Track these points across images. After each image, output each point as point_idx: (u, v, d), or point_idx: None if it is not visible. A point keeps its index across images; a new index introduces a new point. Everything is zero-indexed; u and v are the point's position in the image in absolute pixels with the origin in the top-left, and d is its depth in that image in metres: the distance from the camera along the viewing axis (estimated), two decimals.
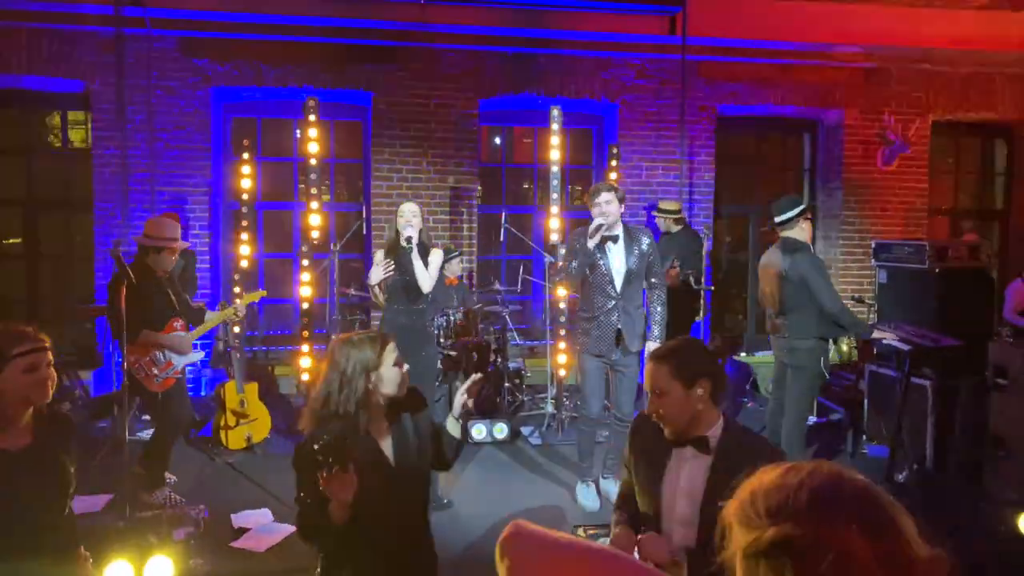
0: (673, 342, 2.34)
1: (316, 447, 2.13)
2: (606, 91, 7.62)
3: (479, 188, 7.70)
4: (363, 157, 7.76)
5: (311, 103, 5.78)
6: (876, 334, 4.24)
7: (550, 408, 6.13)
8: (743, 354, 7.69)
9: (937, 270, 4.87)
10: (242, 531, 3.98)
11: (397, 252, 4.29)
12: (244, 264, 6.15)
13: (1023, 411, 4.25)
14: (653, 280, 4.40)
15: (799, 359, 4.28)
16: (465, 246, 7.52)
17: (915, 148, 8.04)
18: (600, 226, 4.25)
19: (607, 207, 4.29)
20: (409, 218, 4.26)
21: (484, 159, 7.92)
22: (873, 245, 5.43)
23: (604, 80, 7.62)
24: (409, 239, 4.21)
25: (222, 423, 5.12)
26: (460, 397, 2.49)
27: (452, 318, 5.92)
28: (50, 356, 2.20)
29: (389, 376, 2.32)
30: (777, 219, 4.44)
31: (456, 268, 6.69)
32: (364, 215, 7.65)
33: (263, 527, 4.00)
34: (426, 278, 4.26)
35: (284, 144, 7.77)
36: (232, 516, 4.16)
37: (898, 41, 7.79)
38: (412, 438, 2.46)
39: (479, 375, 2.56)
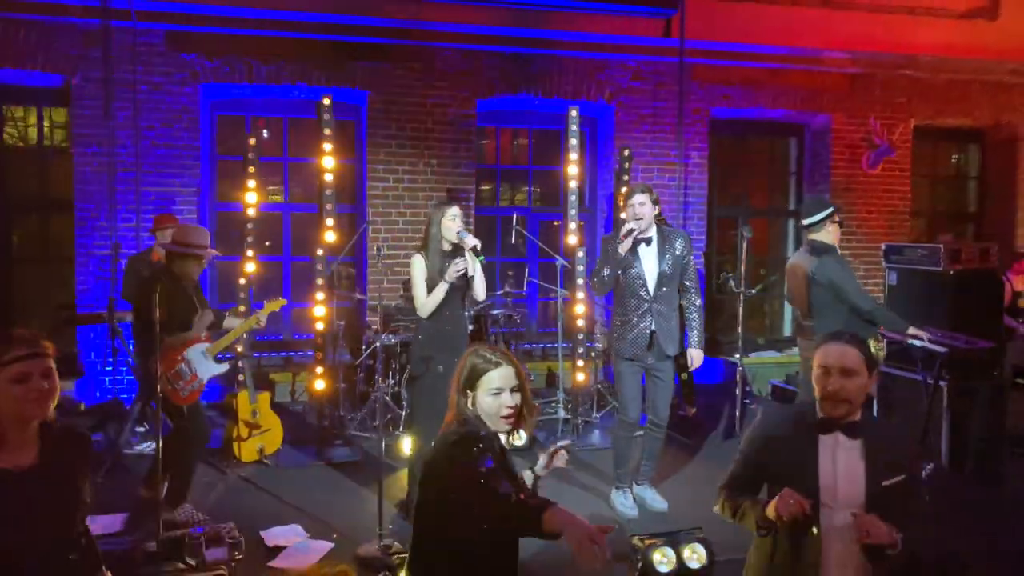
0: (848, 333, 2.42)
1: (484, 471, 2.09)
2: (603, 93, 7.60)
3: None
4: (356, 157, 7.57)
5: (326, 102, 5.60)
6: (912, 331, 4.30)
7: (562, 413, 6.07)
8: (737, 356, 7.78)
9: (951, 272, 4.97)
10: (276, 549, 3.81)
11: (444, 256, 4.12)
12: (251, 268, 5.91)
13: None
14: (687, 283, 4.38)
15: None
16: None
17: (898, 152, 8.24)
18: (631, 231, 4.22)
19: (640, 209, 4.26)
20: (459, 221, 4.12)
21: (480, 160, 7.81)
22: (883, 247, 5.52)
23: (600, 82, 7.60)
24: (475, 246, 4.03)
25: (234, 434, 4.92)
26: (548, 459, 2.43)
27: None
28: (49, 364, 1.96)
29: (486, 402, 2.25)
30: (805, 222, 4.48)
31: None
32: (361, 217, 7.47)
33: (300, 545, 3.84)
34: (482, 285, 4.14)
35: (274, 143, 7.53)
36: (262, 534, 3.98)
37: (882, 47, 7.98)
38: None
39: (568, 442, 2.52)
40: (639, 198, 4.28)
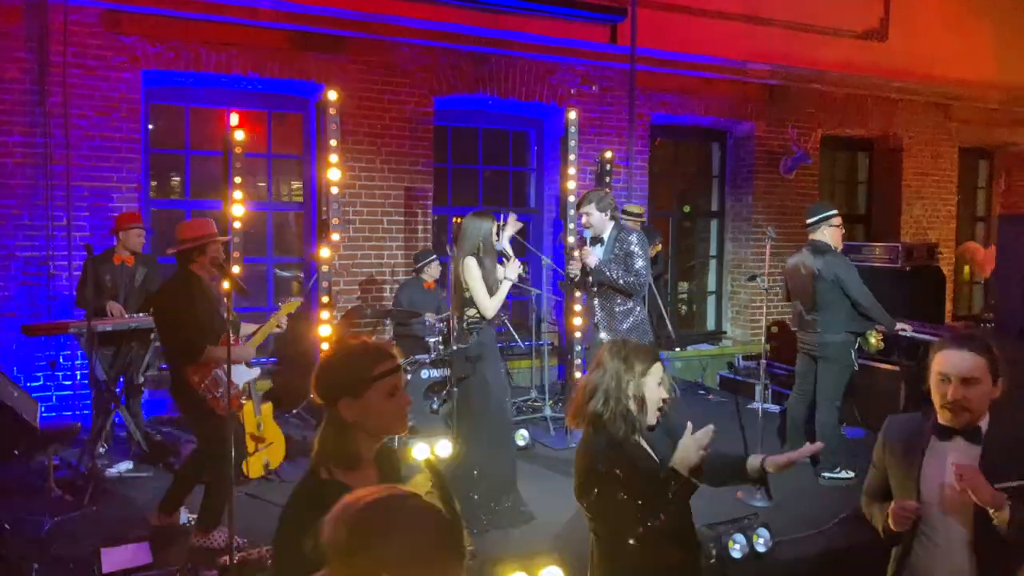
0: (983, 333, 2.48)
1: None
2: (554, 95, 7.74)
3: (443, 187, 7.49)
4: (304, 153, 7.23)
5: (332, 96, 5.28)
6: (899, 326, 4.78)
7: (548, 411, 6.15)
8: (677, 349, 8.23)
9: (907, 268, 5.54)
10: None
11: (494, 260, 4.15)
12: (237, 270, 5.51)
13: None
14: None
15: (830, 352, 4.72)
16: (420, 249, 7.27)
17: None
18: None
19: (587, 218, 4.56)
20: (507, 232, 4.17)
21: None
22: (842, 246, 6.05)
23: (552, 84, 7.73)
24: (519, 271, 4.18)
25: (241, 449, 4.59)
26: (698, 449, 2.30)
27: (451, 324, 5.75)
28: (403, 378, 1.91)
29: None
30: (808, 221, 4.86)
31: (435, 271, 6.48)
32: (311, 215, 7.14)
33: None
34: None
35: (213, 136, 7.02)
36: None
37: (795, 62, 8.69)
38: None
39: (712, 427, 2.39)
40: (584, 207, 4.57)
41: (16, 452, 4.44)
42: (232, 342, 3.90)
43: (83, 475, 4.54)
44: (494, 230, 4.18)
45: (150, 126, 6.69)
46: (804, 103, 8.98)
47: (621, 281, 4.37)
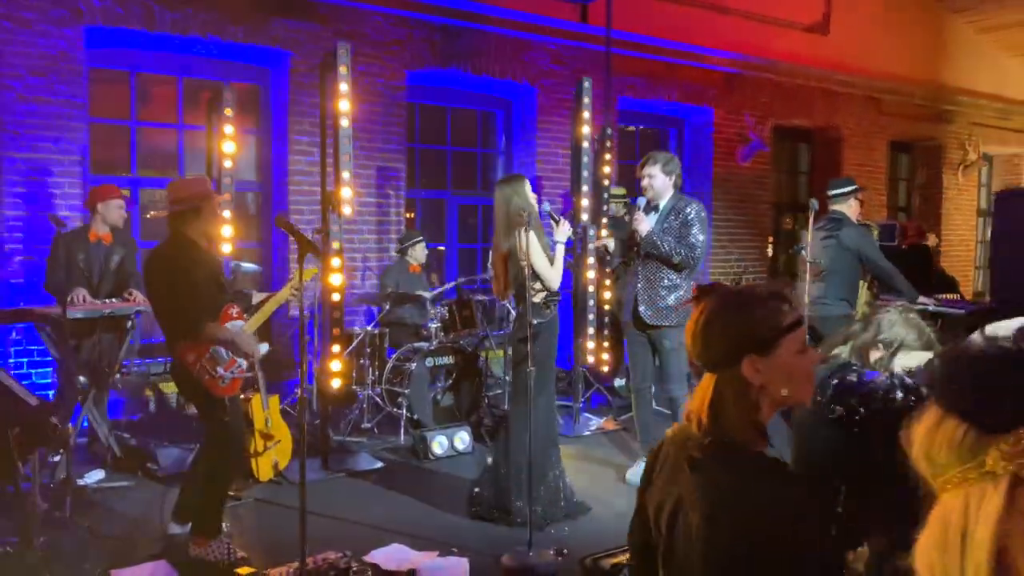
0: None
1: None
2: (527, 74, 7.46)
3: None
4: (262, 128, 6.61)
5: (342, 52, 4.73)
6: (921, 299, 4.82)
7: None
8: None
9: (904, 247, 5.64)
10: (403, 575, 3.20)
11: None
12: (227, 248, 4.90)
13: None
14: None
15: (831, 327, 4.73)
16: (392, 232, 6.82)
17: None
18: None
19: (649, 180, 4.29)
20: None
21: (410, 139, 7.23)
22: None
23: (524, 63, 7.45)
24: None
25: (251, 448, 4.03)
26: None
27: (455, 310, 5.37)
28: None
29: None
30: (831, 192, 4.84)
31: (421, 254, 6.06)
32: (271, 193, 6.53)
33: (432, 564, 3.26)
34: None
35: (162, 107, 6.30)
36: (372, 558, 3.32)
37: (751, 51, 8.81)
38: None
39: None
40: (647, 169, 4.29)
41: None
42: (236, 315, 3.42)
43: (56, 487, 3.86)
44: (530, 193, 3.83)
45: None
46: (759, 92, 9.11)
47: (674, 254, 4.13)
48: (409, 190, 7.21)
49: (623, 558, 2.96)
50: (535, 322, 3.60)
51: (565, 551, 3.33)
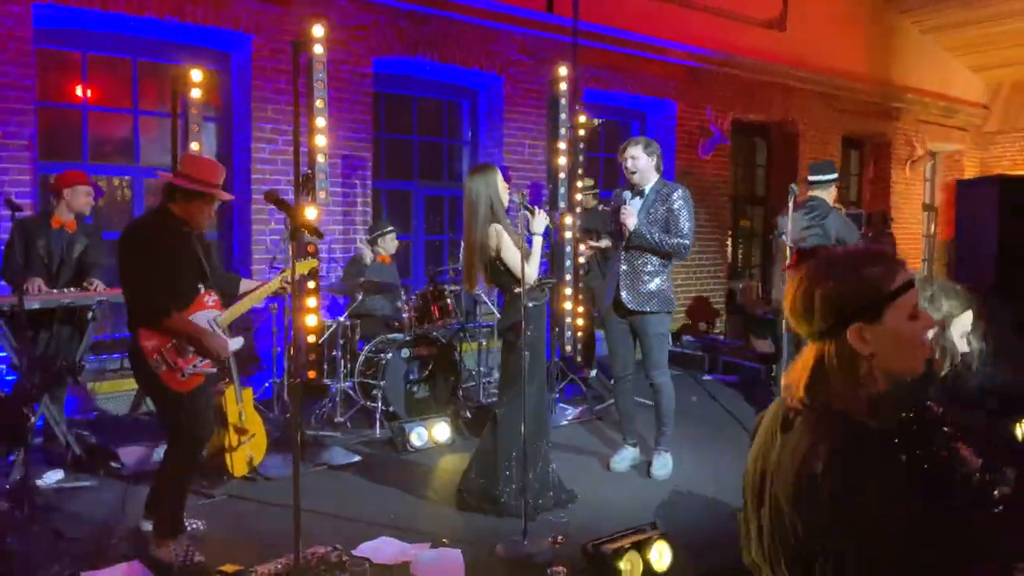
0: None
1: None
2: (493, 63, 7.37)
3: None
4: (223, 115, 6.38)
5: (317, 32, 4.54)
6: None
7: None
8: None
9: (870, 234, 5.76)
10: (392, 568, 3.09)
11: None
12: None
13: None
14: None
15: None
16: (359, 223, 6.66)
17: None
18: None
19: (633, 162, 4.24)
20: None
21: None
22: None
23: (491, 52, 7.36)
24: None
25: (225, 443, 3.85)
26: None
27: (431, 299, 5.26)
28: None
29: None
30: (812, 178, 4.90)
31: (391, 245, 5.92)
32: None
33: (427, 556, 3.15)
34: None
35: (115, 92, 6.01)
36: (361, 552, 3.20)
37: (712, 45, 8.90)
38: None
39: None
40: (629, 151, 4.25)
41: None
42: (213, 304, 3.25)
43: (13, 488, 3.62)
44: (500, 184, 3.69)
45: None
46: (719, 87, 9.21)
47: (664, 245, 4.10)
48: (374, 180, 7.05)
49: (624, 542, 2.92)
50: (530, 304, 3.53)
51: (561, 538, 3.27)
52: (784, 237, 4.68)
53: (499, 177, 3.75)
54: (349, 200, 6.61)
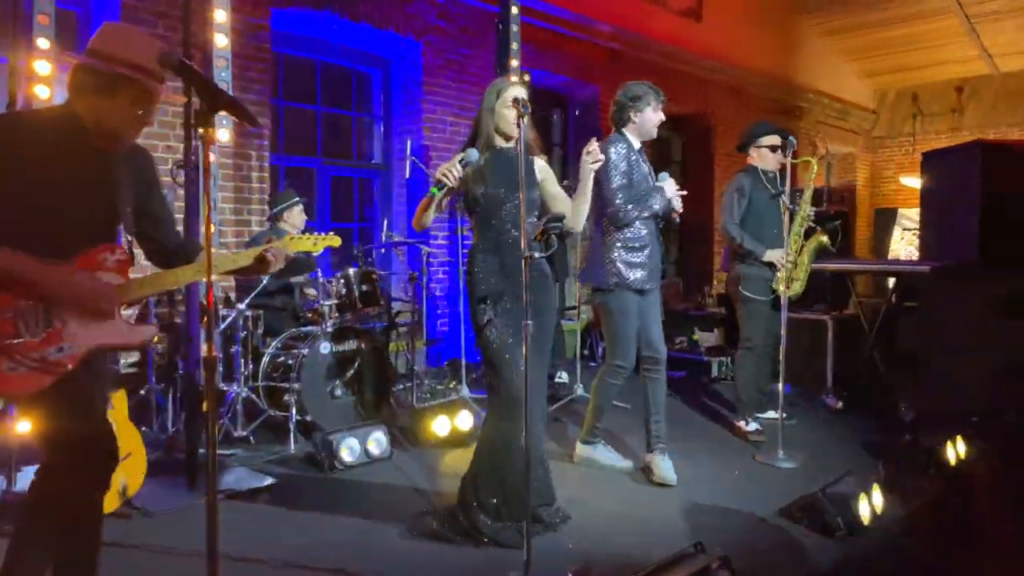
0: None
1: None
2: (411, 27, 6.55)
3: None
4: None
5: None
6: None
7: (467, 391, 4.96)
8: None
9: (832, 212, 5.39)
10: None
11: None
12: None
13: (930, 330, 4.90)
14: None
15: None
16: (255, 203, 5.63)
17: None
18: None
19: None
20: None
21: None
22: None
23: (408, 15, 6.53)
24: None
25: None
26: None
27: (354, 283, 4.36)
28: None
29: None
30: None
31: (299, 220, 4.96)
32: None
33: None
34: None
35: None
36: None
37: (632, 27, 8.47)
38: None
39: None
40: None
41: None
42: (112, 266, 2.20)
43: None
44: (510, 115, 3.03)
45: None
46: (641, 73, 8.68)
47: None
48: (272, 155, 6.04)
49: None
50: (536, 255, 2.75)
51: (579, 570, 2.48)
52: (784, 197, 4.14)
53: (510, 89, 3.18)
54: (242, 174, 5.57)
